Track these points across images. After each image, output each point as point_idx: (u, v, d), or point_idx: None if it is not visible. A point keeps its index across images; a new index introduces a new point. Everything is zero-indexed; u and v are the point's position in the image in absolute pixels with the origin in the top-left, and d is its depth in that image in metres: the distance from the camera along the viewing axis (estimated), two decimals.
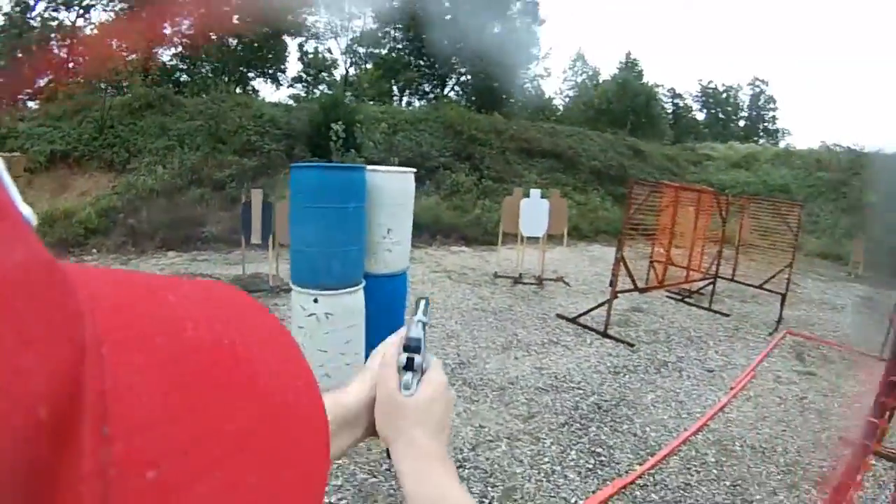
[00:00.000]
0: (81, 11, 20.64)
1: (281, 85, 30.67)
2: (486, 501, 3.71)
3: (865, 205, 19.99)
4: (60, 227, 11.21)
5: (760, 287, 9.40)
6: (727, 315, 9.14)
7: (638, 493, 3.97)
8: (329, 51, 32.22)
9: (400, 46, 30.81)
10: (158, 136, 15.22)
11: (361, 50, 31.35)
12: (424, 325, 0.79)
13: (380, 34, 30.48)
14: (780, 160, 25.90)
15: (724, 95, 50.47)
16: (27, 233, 0.23)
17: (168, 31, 22.13)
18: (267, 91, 52.37)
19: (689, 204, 9.18)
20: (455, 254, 13.16)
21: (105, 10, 21.57)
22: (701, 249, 9.58)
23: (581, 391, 5.63)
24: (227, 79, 24.17)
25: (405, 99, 31.92)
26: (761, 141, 42.89)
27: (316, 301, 4.76)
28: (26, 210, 0.26)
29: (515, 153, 20.64)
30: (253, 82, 28.67)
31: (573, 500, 3.80)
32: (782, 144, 38.82)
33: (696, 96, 50.55)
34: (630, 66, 42.30)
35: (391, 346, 0.79)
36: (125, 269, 0.32)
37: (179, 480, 0.23)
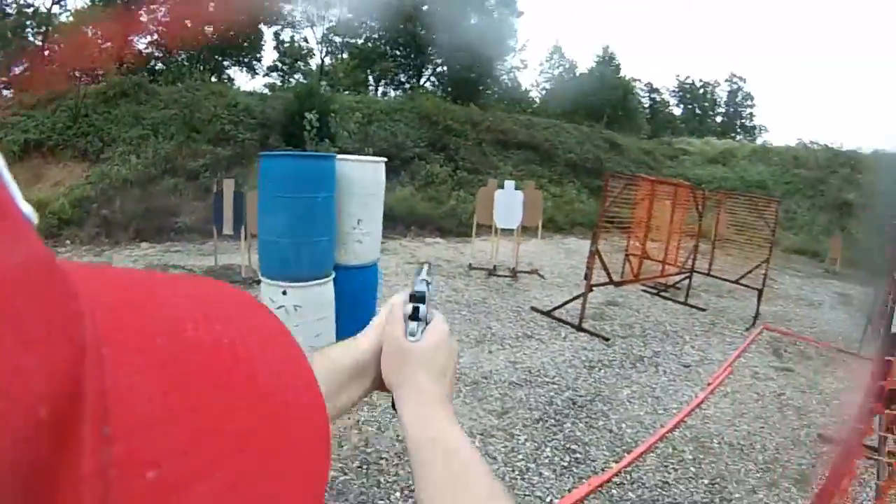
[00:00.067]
0: None
1: (257, 74, 30.45)
2: None
3: (856, 204, 20.16)
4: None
5: (737, 282, 9.34)
6: (703, 310, 9.08)
7: (615, 491, 3.86)
8: (305, 40, 31.97)
9: (376, 36, 30.63)
10: (132, 125, 15.00)
11: (338, 39, 31.12)
12: (428, 283, 0.85)
13: (356, 24, 30.22)
14: (757, 157, 26.00)
15: (702, 91, 50.68)
16: (28, 232, 0.23)
17: (144, 18, 21.82)
18: (243, 80, 52.02)
19: (666, 198, 9.11)
20: (430, 245, 13.07)
21: None
22: (677, 243, 9.50)
23: (556, 386, 5.51)
24: (202, 67, 23.91)
25: (381, 89, 31.86)
26: (738, 137, 43.26)
27: (285, 293, 4.64)
28: (27, 208, 0.25)
29: (491, 144, 20.63)
30: (228, 71, 28.42)
31: (548, 499, 3.68)
32: (759, 141, 39.22)
33: (674, 91, 50.78)
34: (607, 60, 42.29)
35: (397, 299, 0.84)
36: (125, 268, 0.33)
37: (180, 480, 0.23)
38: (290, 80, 30.64)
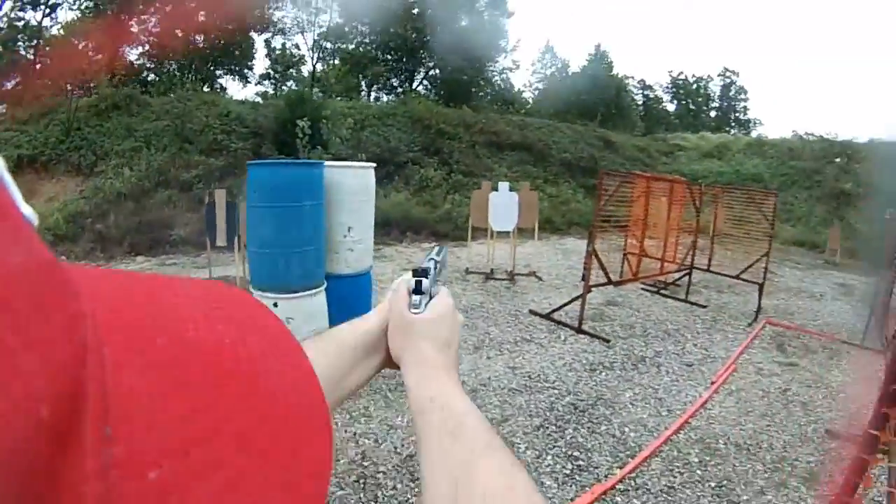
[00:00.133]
0: (48, 11, 20.30)
1: (249, 82, 30.39)
2: None
3: (853, 193, 20.14)
4: None
5: (737, 277, 9.23)
6: (704, 306, 8.98)
7: (619, 498, 3.76)
8: (296, 47, 31.92)
9: (367, 41, 30.58)
10: (125, 137, 14.99)
11: (329, 45, 31.02)
12: (436, 262, 0.88)
13: (347, 29, 30.17)
14: (752, 150, 26.01)
15: (695, 86, 50.66)
16: (28, 233, 0.24)
17: (135, 29, 21.80)
18: (235, 89, 51.94)
19: (662, 194, 9.01)
20: (426, 250, 12.95)
21: (71, 10, 21.50)
22: (675, 240, 9.40)
23: (556, 391, 5.40)
24: (193, 77, 23.89)
25: (373, 94, 31.80)
26: (733, 131, 43.15)
27: (276, 305, 4.56)
28: (27, 210, 0.26)
29: (485, 147, 20.60)
30: (220, 80, 28.35)
31: None
32: (754, 134, 39.06)
33: (667, 87, 50.74)
34: (599, 58, 42.27)
35: (404, 277, 0.86)
36: (126, 270, 0.34)
37: (181, 481, 0.24)
38: (283, 87, 30.54)
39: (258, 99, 24.70)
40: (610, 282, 7.51)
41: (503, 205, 9.89)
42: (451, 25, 28.49)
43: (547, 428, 4.66)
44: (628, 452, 4.34)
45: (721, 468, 4.19)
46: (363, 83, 31.34)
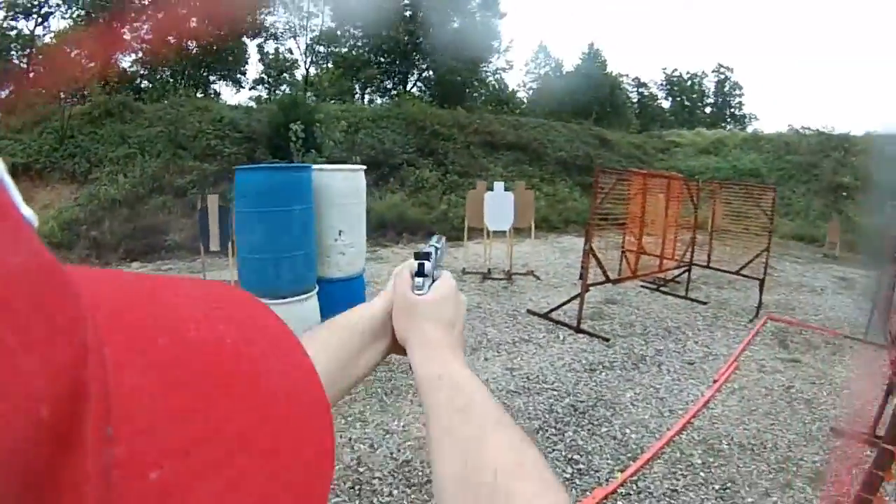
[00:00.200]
0: (40, 20, 20.40)
1: (242, 87, 30.29)
2: None
3: (850, 186, 20.15)
4: None
5: (738, 273, 9.15)
6: (705, 303, 8.89)
7: (620, 502, 3.67)
8: (290, 51, 31.87)
9: (360, 44, 30.56)
10: (119, 144, 14.97)
11: (321, 49, 30.98)
12: (437, 248, 0.89)
13: (339, 32, 30.15)
14: (748, 145, 26.03)
15: (689, 83, 50.61)
16: (29, 234, 0.23)
17: (127, 36, 21.80)
18: (229, 94, 51.91)
19: (659, 191, 8.96)
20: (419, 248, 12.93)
21: (64, 18, 21.51)
22: (674, 237, 9.34)
23: (555, 392, 5.31)
24: (185, 83, 23.85)
25: (367, 96, 31.84)
26: (729, 127, 43.20)
27: None
28: (27, 211, 0.26)
29: (480, 147, 20.58)
30: (214, 85, 28.31)
31: None
32: (750, 129, 39.14)
33: (661, 84, 50.70)
34: (593, 57, 42.27)
35: (407, 263, 0.86)
36: (126, 271, 0.34)
37: (182, 481, 0.24)
38: (277, 92, 30.51)
39: (252, 104, 24.67)
40: (608, 280, 7.43)
41: (499, 204, 9.83)
42: (443, 27, 28.57)
43: (546, 431, 4.57)
44: (630, 455, 4.24)
45: (725, 469, 4.10)
46: (357, 86, 31.34)
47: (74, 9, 21.17)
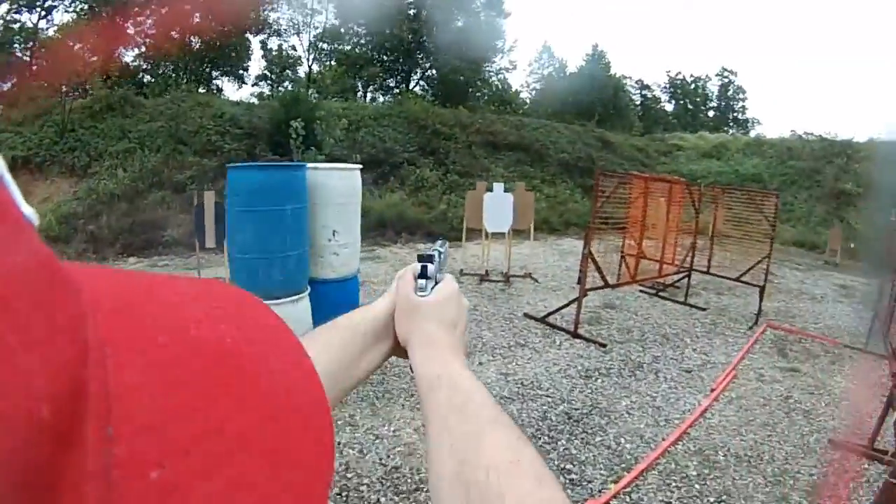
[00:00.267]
0: (43, 13, 20.37)
1: (245, 83, 30.27)
2: None
3: (853, 193, 20.09)
4: None
5: (738, 280, 9.07)
6: (704, 309, 8.82)
7: None
8: (293, 48, 31.80)
9: (363, 42, 30.57)
10: (119, 138, 14.95)
11: (325, 46, 30.98)
12: (440, 252, 0.89)
13: (343, 30, 30.13)
14: (751, 149, 26.01)
15: (693, 86, 50.60)
16: (29, 233, 0.24)
17: (131, 31, 21.78)
18: (231, 90, 51.89)
19: (660, 195, 8.90)
20: (420, 251, 12.85)
21: (67, 12, 21.40)
22: (674, 241, 9.28)
23: (550, 399, 5.24)
24: (187, 78, 23.81)
25: (369, 95, 31.86)
26: (731, 131, 43.11)
27: None
28: (28, 210, 0.26)
29: (481, 147, 20.58)
30: (217, 81, 28.35)
31: None
32: (753, 134, 39.00)
33: (665, 87, 50.69)
34: (597, 58, 42.21)
35: (410, 266, 0.87)
36: (127, 269, 0.34)
37: (182, 480, 0.24)
38: (279, 88, 30.46)
39: (254, 100, 24.67)
40: (607, 284, 7.35)
41: (498, 205, 9.76)
42: (447, 26, 28.56)
43: (539, 439, 4.50)
44: (624, 465, 4.17)
45: (720, 482, 4.03)
46: (359, 84, 31.37)
47: (78, 2, 21.14)
